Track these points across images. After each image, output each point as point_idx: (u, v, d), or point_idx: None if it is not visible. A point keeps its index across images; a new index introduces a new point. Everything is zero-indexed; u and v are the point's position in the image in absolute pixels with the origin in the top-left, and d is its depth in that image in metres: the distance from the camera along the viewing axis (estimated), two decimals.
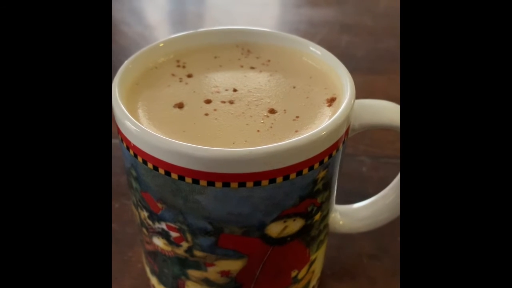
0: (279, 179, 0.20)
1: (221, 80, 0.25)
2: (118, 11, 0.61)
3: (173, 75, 0.26)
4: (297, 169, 0.21)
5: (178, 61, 0.27)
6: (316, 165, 0.21)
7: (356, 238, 0.34)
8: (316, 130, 0.21)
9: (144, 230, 0.25)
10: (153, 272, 0.27)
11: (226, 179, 0.20)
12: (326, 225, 0.26)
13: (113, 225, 0.34)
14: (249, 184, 0.20)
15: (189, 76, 0.26)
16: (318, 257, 0.27)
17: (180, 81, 0.25)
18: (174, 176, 0.20)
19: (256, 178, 0.20)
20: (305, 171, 0.21)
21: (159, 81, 0.25)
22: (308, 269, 0.27)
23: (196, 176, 0.20)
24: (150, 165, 0.21)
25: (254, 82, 0.25)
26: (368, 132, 0.41)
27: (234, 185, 0.20)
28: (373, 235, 0.32)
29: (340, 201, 0.30)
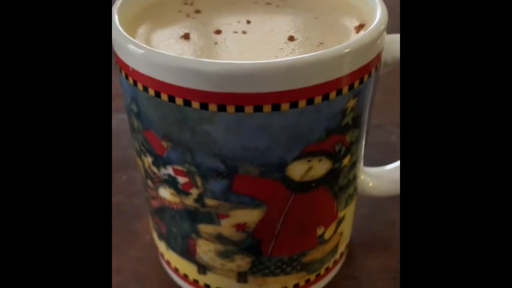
0: (302, 103, 0.17)
1: (233, 14, 0.23)
2: None
3: (179, 11, 0.23)
4: (323, 91, 0.17)
5: None
6: (345, 89, 0.18)
7: (387, 206, 0.30)
8: (342, 45, 0.18)
9: (149, 182, 0.22)
10: (161, 236, 0.24)
11: (239, 102, 0.17)
12: (355, 177, 0.23)
13: (120, 197, 0.31)
14: (267, 108, 0.17)
15: (197, 12, 0.23)
16: (347, 216, 0.24)
17: (187, 16, 0.22)
18: (179, 101, 0.17)
19: (275, 101, 0.17)
20: (332, 95, 0.18)
21: (163, 16, 0.22)
22: (336, 228, 0.23)
23: (204, 99, 0.17)
24: (151, 92, 0.18)
25: (271, 15, 0.22)
26: (394, 102, 0.38)
27: (248, 109, 0.17)
28: None
29: None
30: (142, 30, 0.21)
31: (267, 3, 0.24)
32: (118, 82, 0.21)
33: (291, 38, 0.20)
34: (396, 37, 0.22)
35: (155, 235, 0.25)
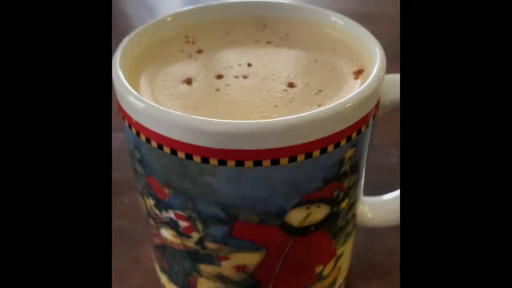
0: (301, 157, 0.18)
1: (234, 56, 0.23)
2: (131, 6, 0.59)
3: (181, 50, 0.23)
4: (321, 145, 0.18)
5: (187, 36, 0.24)
6: (343, 142, 0.18)
7: (386, 233, 0.31)
8: (342, 100, 0.18)
9: (151, 221, 0.22)
10: (163, 270, 0.24)
11: (239, 157, 0.17)
12: (354, 215, 0.23)
13: (122, 221, 0.32)
14: (266, 162, 0.18)
15: (199, 52, 0.23)
16: (345, 251, 0.24)
17: (189, 57, 0.23)
18: (181, 155, 0.18)
19: (274, 156, 0.17)
20: (330, 148, 0.18)
21: (166, 57, 0.23)
22: (334, 265, 0.24)
23: (206, 154, 0.17)
24: (154, 144, 0.18)
25: (271, 57, 0.23)
26: (395, 120, 0.38)
27: (248, 164, 0.18)
28: None
29: (368, 195, 0.27)
30: (146, 73, 0.22)
31: (268, 42, 0.24)
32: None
33: (291, 85, 0.21)
34: (394, 78, 0.22)
35: (157, 267, 0.26)
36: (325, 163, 0.19)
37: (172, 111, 0.18)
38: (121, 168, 0.35)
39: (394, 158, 0.37)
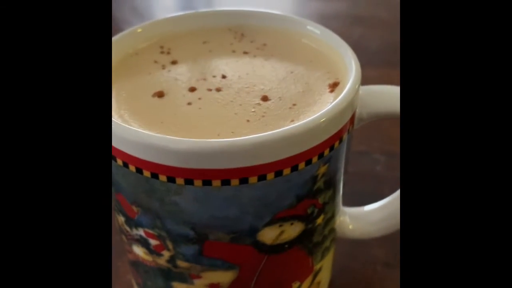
0: (270, 176, 0.17)
1: (209, 67, 0.22)
2: (119, 10, 0.59)
3: (155, 62, 0.23)
4: (292, 163, 0.17)
5: (162, 46, 0.24)
6: (315, 159, 0.18)
7: (369, 244, 0.30)
8: (313, 116, 0.17)
9: (123, 237, 0.22)
10: (138, 285, 0.24)
11: (206, 176, 0.17)
12: (332, 230, 0.23)
13: None
14: (234, 181, 0.17)
15: (174, 63, 0.23)
16: (324, 266, 0.24)
17: (163, 68, 0.22)
18: (147, 173, 0.17)
19: (242, 175, 0.17)
20: (301, 165, 0.18)
21: (138, 69, 0.22)
22: (313, 280, 0.23)
23: (172, 173, 0.17)
24: (119, 161, 0.18)
25: (247, 68, 0.22)
26: (383, 126, 0.38)
27: (216, 183, 0.17)
28: (388, 241, 0.29)
29: (352, 203, 0.27)
30: (116, 86, 0.21)
31: (245, 52, 0.23)
32: None
33: (265, 98, 0.20)
34: (371, 89, 0.21)
35: (133, 281, 0.25)
36: (296, 180, 0.18)
37: (137, 129, 0.17)
38: None
39: (380, 165, 0.37)
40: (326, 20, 0.58)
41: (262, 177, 0.17)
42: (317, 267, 0.23)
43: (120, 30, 0.23)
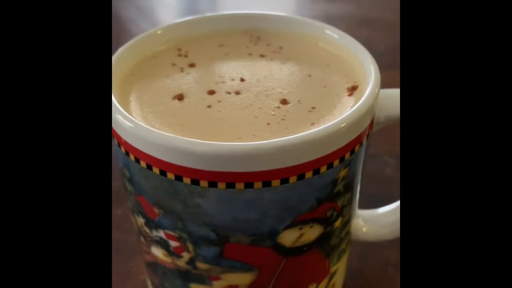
0: (293, 179, 0.17)
1: (227, 70, 0.23)
2: (125, 10, 0.59)
3: (173, 64, 0.23)
4: (314, 166, 0.17)
5: (179, 49, 0.24)
6: (336, 162, 0.18)
7: (381, 246, 0.30)
8: (335, 121, 0.18)
9: (142, 238, 0.22)
10: (154, 286, 0.24)
11: (230, 179, 0.17)
12: (348, 233, 0.23)
13: (114, 232, 0.31)
14: (257, 184, 0.17)
15: (191, 65, 0.23)
16: (339, 268, 0.24)
17: (181, 71, 0.22)
18: (170, 176, 0.17)
19: (265, 178, 0.17)
20: (323, 169, 0.18)
21: (157, 71, 0.22)
22: (328, 282, 0.23)
23: (195, 176, 0.17)
24: (143, 164, 0.18)
25: (264, 71, 0.22)
26: (392, 129, 0.38)
27: (239, 186, 0.17)
28: (399, 243, 0.29)
29: (362, 206, 0.27)
30: (136, 89, 0.21)
31: (261, 55, 0.24)
32: None
33: (284, 101, 0.20)
34: (389, 93, 0.21)
35: (148, 282, 0.25)
36: (318, 184, 0.18)
37: (162, 132, 0.17)
38: (113, 177, 0.35)
39: (390, 168, 0.37)
40: (331, 22, 0.58)
41: (284, 181, 0.17)
42: (333, 269, 0.23)
43: (126, 29, 0.24)
